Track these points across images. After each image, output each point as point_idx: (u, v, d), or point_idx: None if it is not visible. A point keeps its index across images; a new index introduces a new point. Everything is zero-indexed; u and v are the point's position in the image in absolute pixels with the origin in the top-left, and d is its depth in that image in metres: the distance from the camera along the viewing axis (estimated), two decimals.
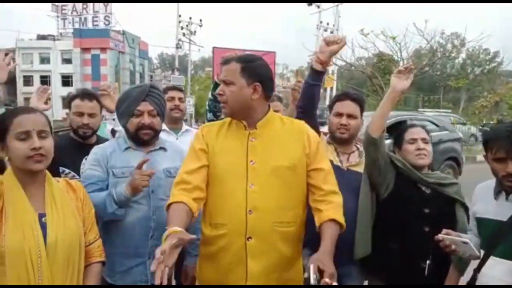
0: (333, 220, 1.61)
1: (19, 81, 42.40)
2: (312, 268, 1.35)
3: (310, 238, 1.75)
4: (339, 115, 2.17)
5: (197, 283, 1.78)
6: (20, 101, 41.76)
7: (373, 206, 2.03)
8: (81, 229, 1.54)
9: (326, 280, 1.34)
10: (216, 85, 2.44)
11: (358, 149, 2.26)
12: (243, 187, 1.61)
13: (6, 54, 2.07)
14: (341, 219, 1.63)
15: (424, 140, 2.04)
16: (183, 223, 1.46)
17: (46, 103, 2.35)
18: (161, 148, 2.02)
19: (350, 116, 2.16)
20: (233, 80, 1.64)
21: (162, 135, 2.55)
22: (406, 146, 2.06)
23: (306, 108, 2.08)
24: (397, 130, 2.18)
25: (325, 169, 1.72)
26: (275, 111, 2.76)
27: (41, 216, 1.44)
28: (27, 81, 42.02)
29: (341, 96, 2.25)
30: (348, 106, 2.17)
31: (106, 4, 41.59)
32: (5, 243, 1.35)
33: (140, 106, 1.90)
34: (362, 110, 2.21)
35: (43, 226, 1.43)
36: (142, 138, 1.93)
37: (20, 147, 1.40)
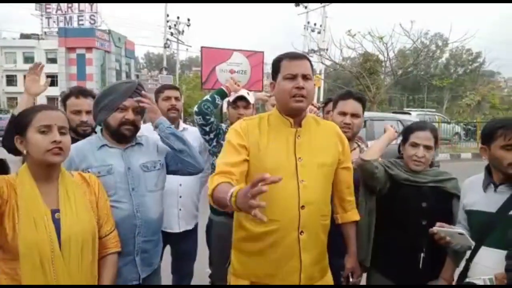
0: (355, 221, 1.94)
1: (2, 81, 41.67)
2: (350, 275, 1.98)
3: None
4: (343, 114, 2.22)
5: (240, 281, 1.76)
6: (3, 101, 41.00)
7: (372, 210, 2.08)
8: (95, 223, 1.57)
9: (355, 280, 1.97)
10: (222, 93, 2.56)
11: (359, 146, 2.30)
12: (294, 183, 1.65)
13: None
14: (358, 218, 1.96)
15: (426, 147, 2.02)
16: None
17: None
18: (137, 143, 1.97)
19: (353, 115, 2.21)
20: (311, 76, 1.70)
21: (155, 133, 2.59)
22: (407, 148, 2.06)
23: None
24: (406, 128, 2.17)
25: (351, 167, 1.91)
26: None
27: (55, 212, 1.47)
28: (11, 80, 41.33)
29: (344, 95, 2.27)
30: (351, 105, 2.22)
31: (91, 3, 41.09)
32: (19, 240, 1.37)
33: (126, 101, 1.87)
34: (363, 109, 2.27)
35: (57, 222, 1.45)
36: (125, 134, 1.88)
37: (41, 139, 1.45)
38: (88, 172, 1.77)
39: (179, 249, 2.70)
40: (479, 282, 1.59)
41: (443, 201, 2.01)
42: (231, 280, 1.80)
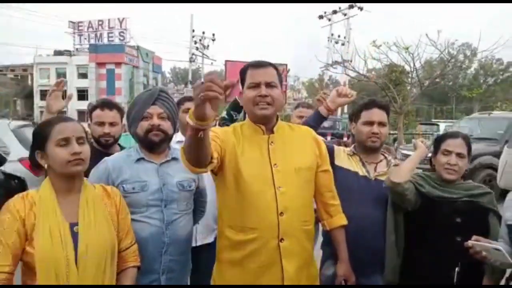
0: (343, 226, 1.88)
1: (36, 96, 43.47)
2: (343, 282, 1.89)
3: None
4: (370, 123, 2.11)
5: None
6: (36, 115, 42.73)
7: (400, 226, 2.00)
8: (114, 236, 1.56)
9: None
10: (235, 105, 2.46)
11: (386, 158, 2.20)
12: (271, 190, 1.65)
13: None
14: (346, 222, 1.89)
15: (459, 155, 1.95)
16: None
17: (63, 97, 2.20)
18: (173, 158, 1.94)
19: (380, 123, 2.11)
20: (277, 84, 1.72)
21: (178, 146, 2.56)
22: (439, 157, 2.00)
23: None
24: (437, 138, 2.11)
25: (331, 171, 1.88)
26: (301, 117, 2.86)
27: (73, 225, 1.46)
28: (44, 95, 42.69)
29: (368, 105, 2.16)
30: (377, 114, 2.12)
31: (121, 20, 42.62)
32: (35, 254, 1.38)
33: (150, 109, 1.87)
34: (388, 117, 2.17)
35: (75, 236, 1.45)
36: (153, 140, 1.85)
37: (61, 152, 1.47)
38: (123, 187, 1.77)
39: (198, 263, 2.67)
40: None
41: (478, 216, 1.92)
42: None
